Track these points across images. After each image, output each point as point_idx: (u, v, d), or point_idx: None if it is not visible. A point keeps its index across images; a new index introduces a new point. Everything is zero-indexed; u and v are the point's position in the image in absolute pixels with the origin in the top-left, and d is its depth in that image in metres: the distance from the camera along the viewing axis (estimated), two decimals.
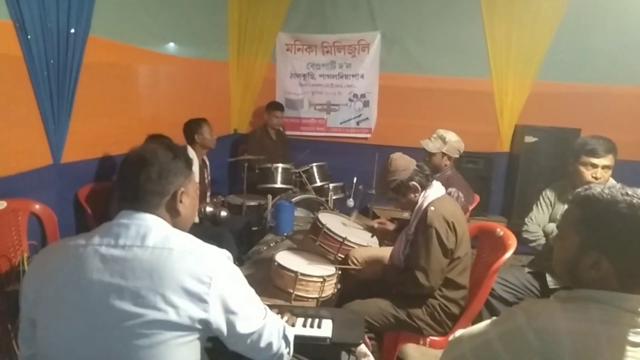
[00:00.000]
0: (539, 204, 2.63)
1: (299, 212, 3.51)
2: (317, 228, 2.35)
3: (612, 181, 2.38)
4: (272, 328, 1.16)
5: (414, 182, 2.04)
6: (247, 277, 1.15)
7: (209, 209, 3.22)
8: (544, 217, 2.58)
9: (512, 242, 2.09)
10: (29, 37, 2.26)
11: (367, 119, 4.95)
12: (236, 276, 1.10)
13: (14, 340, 1.94)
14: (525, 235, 2.56)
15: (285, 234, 2.85)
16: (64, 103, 2.54)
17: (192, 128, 3.29)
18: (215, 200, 3.60)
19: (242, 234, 3.42)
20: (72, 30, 2.49)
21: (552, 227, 2.49)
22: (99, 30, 2.72)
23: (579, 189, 1.06)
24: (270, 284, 2.04)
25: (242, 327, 1.07)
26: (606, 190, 1.00)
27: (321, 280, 1.97)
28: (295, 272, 1.93)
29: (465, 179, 3.01)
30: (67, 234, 2.55)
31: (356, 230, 2.61)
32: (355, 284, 2.25)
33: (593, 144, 2.36)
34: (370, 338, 1.97)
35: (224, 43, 4.76)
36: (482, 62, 4.49)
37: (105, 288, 0.99)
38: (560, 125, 4.25)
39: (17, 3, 2.18)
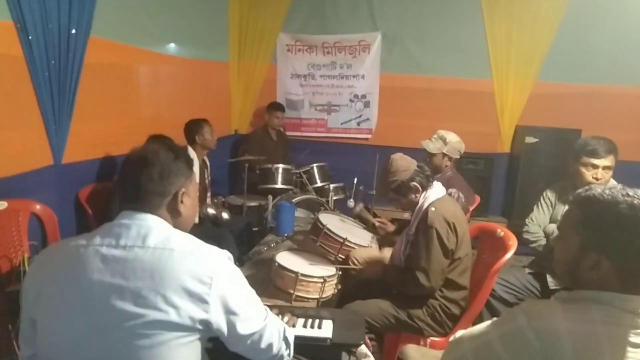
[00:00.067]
0: (539, 204, 2.62)
1: (300, 213, 3.51)
2: (317, 229, 2.35)
3: (612, 182, 2.38)
4: (273, 329, 1.16)
5: (414, 183, 2.04)
6: (247, 277, 1.15)
7: (210, 210, 3.22)
8: (544, 217, 2.58)
9: (513, 243, 2.09)
10: (30, 37, 2.26)
11: (367, 119, 4.95)
12: (237, 277, 1.10)
13: (15, 341, 1.94)
14: (525, 235, 2.56)
15: (286, 235, 2.85)
16: (64, 103, 2.54)
17: (192, 128, 3.29)
18: (215, 200, 3.60)
19: (242, 235, 3.42)
20: (73, 31, 2.50)
21: (552, 227, 2.49)
22: (100, 30, 2.72)
23: (580, 190, 1.06)
24: (270, 284, 2.04)
25: (243, 328, 1.07)
26: (607, 191, 1.00)
27: (322, 280, 1.97)
28: (296, 273, 1.93)
29: (466, 179, 3.01)
30: (67, 234, 2.55)
31: (357, 231, 2.61)
32: (356, 284, 2.25)
33: (594, 144, 2.36)
34: (370, 339, 1.97)
35: (225, 44, 4.77)
36: (483, 63, 4.49)
37: (106, 288, 0.99)
38: (560, 125, 4.25)
39: (18, 4, 2.18)
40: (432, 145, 2.90)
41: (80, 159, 2.77)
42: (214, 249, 1.10)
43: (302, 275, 1.93)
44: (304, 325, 1.56)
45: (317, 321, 1.58)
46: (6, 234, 2.32)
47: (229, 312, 1.04)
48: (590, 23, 4.20)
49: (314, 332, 1.52)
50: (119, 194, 1.14)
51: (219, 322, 1.03)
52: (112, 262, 1.01)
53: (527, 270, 2.56)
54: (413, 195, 2.06)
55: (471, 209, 2.97)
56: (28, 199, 2.42)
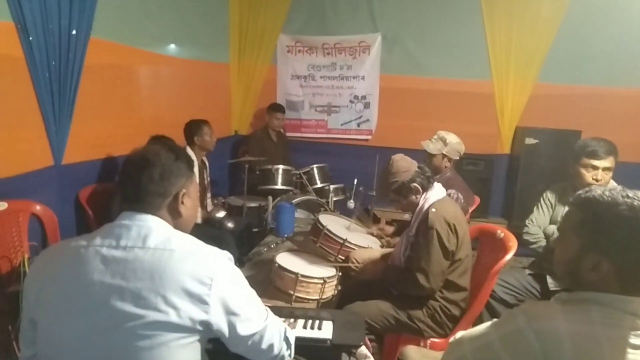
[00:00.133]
0: (539, 205, 2.62)
1: (300, 214, 3.51)
2: (317, 229, 2.35)
3: (612, 183, 2.38)
4: (274, 330, 1.16)
5: (415, 184, 2.04)
6: (247, 278, 1.15)
7: (218, 215, 3.25)
8: (544, 218, 2.58)
9: (513, 244, 2.09)
10: (30, 38, 2.27)
11: (367, 120, 4.95)
12: (237, 277, 1.10)
13: (15, 341, 1.94)
14: (525, 237, 2.56)
15: (286, 236, 2.85)
16: (65, 104, 2.54)
17: (192, 129, 3.30)
18: (215, 202, 3.60)
19: (242, 236, 3.43)
20: (74, 32, 2.50)
21: (552, 229, 2.49)
22: (100, 31, 2.73)
23: (580, 191, 1.06)
24: (270, 285, 2.04)
25: (243, 329, 1.07)
26: (607, 193, 1.00)
27: (322, 281, 1.97)
28: (296, 274, 1.93)
29: (466, 180, 3.01)
30: (67, 235, 2.55)
31: (357, 232, 2.61)
32: (356, 285, 2.25)
33: (594, 145, 2.36)
34: (370, 340, 1.97)
35: (225, 45, 4.77)
36: (483, 64, 4.49)
37: (106, 289, 0.99)
38: (560, 127, 4.25)
39: (19, 4, 2.18)
40: (432, 146, 2.91)
41: (80, 159, 2.77)
42: (214, 249, 1.10)
43: (302, 276, 1.93)
44: (304, 326, 1.56)
45: (317, 322, 1.58)
46: (6, 234, 2.32)
47: (229, 312, 1.04)
48: (590, 24, 4.20)
49: (314, 333, 1.52)
50: (119, 194, 1.14)
51: (219, 323, 1.03)
52: (112, 263, 1.01)
53: (527, 272, 2.56)
54: (413, 197, 2.06)
55: (470, 210, 2.97)
56: (28, 199, 2.42)
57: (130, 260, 1.01)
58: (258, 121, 5.04)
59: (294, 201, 3.56)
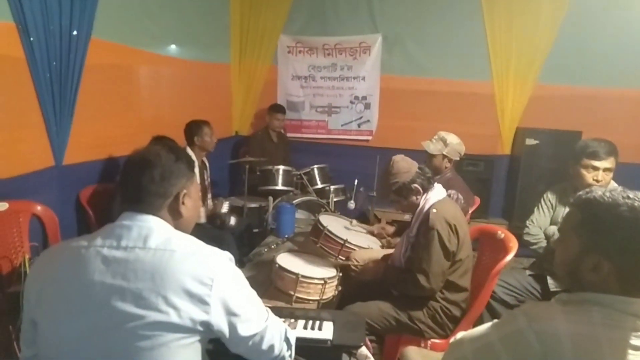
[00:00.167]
0: (540, 206, 2.62)
1: (300, 214, 3.51)
2: (318, 230, 2.35)
3: (613, 184, 2.38)
4: (274, 330, 1.16)
5: (415, 185, 2.04)
6: (248, 279, 1.15)
7: (223, 209, 3.26)
8: (545, 219, 2.58)
9: (513, 245, 2.09)
10: (31, 39, 2.27)
11: (368, 121, 4.95)
12: (238, 278, 1.10)
13: (15, 342, 1.94)
14: (526, 237, 2.56)
15: (286, 236, 2.85)
16: (66, 105, 2.55)
17: (192, 129, 3.30)
18: (216, 201, 3.61)
19: (243, 236, 3.43)
20: (75, 32, 2.50)
21: (553, 229, 2.49)
22: (101, 32, 2.73)
23: (580, 192, 1.06)
24: (271, 286, 2.04)
25: (244, 329, 1.07)
26: (607, 194, 1.00)
27: (322, 282, 1.97)
28: (296, 274, 1.93)
29: (466, 181, 3.01)
30: (68, 235, 2.55)
31: (357, 232, 2.61)
32: (356, 286, 2.25)
33: (594, 146, 2.36)
34: (371, 340, 1.97)
35: (226, 45, 4.78)
36: (483, 65, 4.49)
37: (107, 289, 0.99)
38: (561, 127, 4.25)
39: (20, 5, 2.19)
40: (432, 147, 2.91)
41: (81, 160, 2.77)
42: (215, 250, 1.10)
43: (303, 276, 1.93)
44: (305, 327, 1.56)
45: (317, 323, 1.58)
46: (7, 235, 2.32)
47: (229, 313, 1.04)
48: (590, 25, 4.20)
49: (315, 334, 1.52)
50: (120, 195, 1.14)
51: (220, 323, 1.03)
52: (113, 263, 1.01)
53: (528, 272, 2.56)
54: (414, 197, 2.06)
55: (471, 210, 2.97)
56: (29, 200, 2.42)
57: (131, 261, 1.01)
58: (259, 122, 5.04)
59: (294, 202, 3.56)
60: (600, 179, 2.34)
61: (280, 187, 3.89)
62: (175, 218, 1.15)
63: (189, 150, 3.18)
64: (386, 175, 2.10)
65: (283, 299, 1.96)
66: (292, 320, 1.61)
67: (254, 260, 2.52)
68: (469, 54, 4.52)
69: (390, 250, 2.31)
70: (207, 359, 1.13)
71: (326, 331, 1.54)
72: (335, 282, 2.07)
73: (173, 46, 3.82)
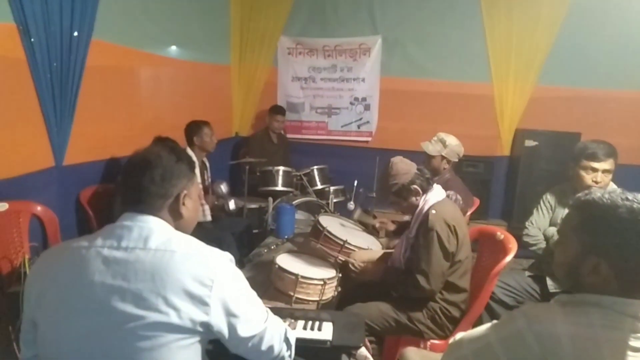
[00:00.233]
0: (539, 207, 2.63)
1: (300, 215, 3.51)
2: (317, 231, 2.35)
3: (612, 185, 2.38)
4: (274, 331, 1.16)
5: (415, 186, 2.04)
6: (247, 279, 1.15)
7: (223, 190, 3.28)
8: (544, 220, 2.58)
9: (513, 246, 2.09)
10: (32, 40, 2.27)
11: (367, 122, 4.96)
12: (238, 279, 1.10)
13: (15, 342, 1.94)
14: (525, 238, 2.56)
15: (286, 237, 2.85)
16: (66, 105, 2.55)
17: (192, 130, 3.31)
18: (215, 183, 3.61)
19: (242, 237, 3.43)
20: (75, 34, 2.51)
21: (552, 231, 2.49)
22: (101, 33, 2.73)
23: (580, 194, 1.07)
24: (270, 286, 2.04)
25: (244, 330, 1.08)
26: (606, 195, 1.00)
27: (322, 283, 1.97)
28: (296, 275, 1.93)
29: (466, 182, 3.02)
30: (68, 236, 2.55)
31: (357, 233, 2.62)
32: (356, 286, 2.25)
33: (593, 148, 2.36)
34: (370, 341, 1.97)
35: (226, 46, 4.78)
36: (483, 66, 4.50)
37: (107, 290, 0.99)
38: (560, 129, 4.26)
39: (21, 6, 2.19)
40: (431, 148, 2.91)
41: (81, 160, 2.77)
42: (215, 251, 1.10)
43: (302, 277, 1.94)
44: (304, 328, 1.56)
45: (317, 323, 1.58)
46: (7, 235, 2.32)
47: (229, 314, 1.05)
48: (590, 27, 4.21)
49: (314, 335, 1.53)
50: (121, 195, 1.14)
51: (220, 324, 1.03)
52: (113, 264, 1.01)
53: (527, 273, 2.56)
54: (413, 198, 2.07)
55: (470, 211, 2.97)
56: (29, 200, 2.42)
57: (132, 261, 1.01)
58: (259, 123, 5.05)
59: (294, 202, 3.56)
60: (600, 181, 2.34)
61: (280, 187, 3.89)
62: (176, 219, 1.15)
63: (189, 151, 3.18)
64: (385, 177, 2.10)
65: (283, 299, 1.96)
66: (292, 321, 1.61)
67: (253, 260, 2.52)
68: (468, 56, 4.53)
69: (390, 251, 2.32)
70: (207, 359, 1.14)
71: (326, 332, 1.54)
72: (335, 283, 2.07)
73: (173, 47, 3.82)
